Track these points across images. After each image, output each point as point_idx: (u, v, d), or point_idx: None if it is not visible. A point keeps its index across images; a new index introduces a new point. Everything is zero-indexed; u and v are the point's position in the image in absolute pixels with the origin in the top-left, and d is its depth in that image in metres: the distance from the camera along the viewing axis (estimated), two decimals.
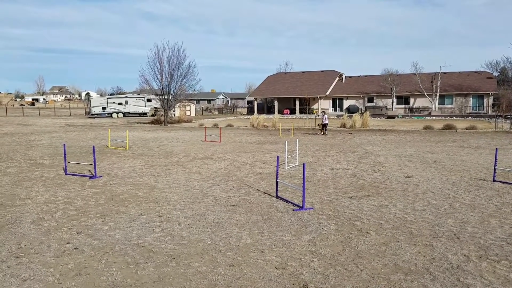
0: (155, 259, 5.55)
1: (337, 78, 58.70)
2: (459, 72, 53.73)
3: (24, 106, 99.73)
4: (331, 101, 55.81)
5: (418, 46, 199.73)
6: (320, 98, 54.89)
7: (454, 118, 42.03)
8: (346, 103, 54.52)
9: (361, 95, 53.78)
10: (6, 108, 75.47)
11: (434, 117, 43.91)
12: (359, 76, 59.80)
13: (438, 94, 49.03)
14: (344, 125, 31.47)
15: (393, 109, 50.76)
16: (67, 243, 6.14)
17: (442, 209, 8.00)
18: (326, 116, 25.28)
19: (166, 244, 6.10)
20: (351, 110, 50.12)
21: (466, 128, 28.22)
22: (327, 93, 54.93)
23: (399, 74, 53.49)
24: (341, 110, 53.94)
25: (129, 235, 6.54)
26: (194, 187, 10.07)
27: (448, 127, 28.62)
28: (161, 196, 9.09)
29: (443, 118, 42.53)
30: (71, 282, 4.85)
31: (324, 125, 25.06)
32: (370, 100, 53.73)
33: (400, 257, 5.62)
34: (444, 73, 51.10)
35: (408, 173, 11.90)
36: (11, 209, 8.05)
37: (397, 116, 46.25)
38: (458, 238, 6.37)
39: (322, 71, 60.95)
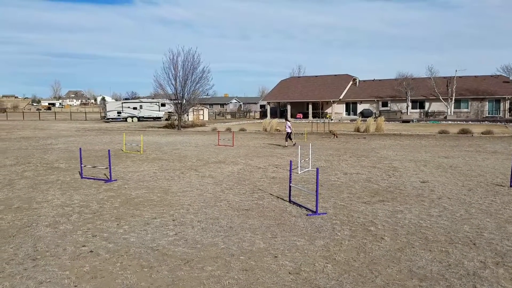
0: (169, 262, 5.59)
1: (351, 82, 58.45)
2: (475, 76, 53.04)
3: (40, 111, 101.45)
4: (344, 105, 55.57)
5: (433, 50, 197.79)
6: (334, 102, 54.72)
7: (470, 122, 41.43)
8: (360, 107, 54.21)
9: (375, 99, 53.42)
10: (23, 112, 76.94)
11: (449, 122, 43.40)
12: (373, 80, 59.45)
13: (453, 98, 48.43)
14: (358, 130, 31.27)
15: (408, 113, 50.28)
16: (83, 246, 6.22)
17: (458, 215, 7.88)
18: (289, 124, 21.75)
19: (180, 248, 6.13)
20: (365, 115, 49.83)
21: (482, 133, 27.78)
22: (341, 97, 54.72)
23: (414, 78, 52.99)
24: (355, 114, 53.68)
25: (144, 238, 6.59)
26: (207, 191, 10.11)
27: (464, 132, 28.23)
28: (174, 200, 9.14)
29: (458, 122, 41.96)
30: (86, 285, 4.90)
31: (288, 134, 21.50)
32: (385, 104, 53.33)
33: (416, 263, 5.55)
34: (460, 77, 50.48)
35: (424, 178, 11.75)
36: (28, 212, 8.18)
37: (412, 121, 45.82)
38: (474, 244, 6.27)
39: (335, 75, 60.76)
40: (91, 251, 6.00)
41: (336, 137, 26.51)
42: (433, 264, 5.50)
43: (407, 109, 50.79)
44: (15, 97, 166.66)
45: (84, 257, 5.79)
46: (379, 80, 58.90)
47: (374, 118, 37.83)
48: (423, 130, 31.65)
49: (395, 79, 55.18)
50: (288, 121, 22.41)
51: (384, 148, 19.81)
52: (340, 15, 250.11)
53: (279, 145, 21.57)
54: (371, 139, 25.46)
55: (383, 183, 11.10)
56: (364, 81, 60.00)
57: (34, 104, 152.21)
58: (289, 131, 21.45)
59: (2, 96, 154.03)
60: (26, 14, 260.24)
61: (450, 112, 48.64)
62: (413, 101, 51.17)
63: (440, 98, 48.70)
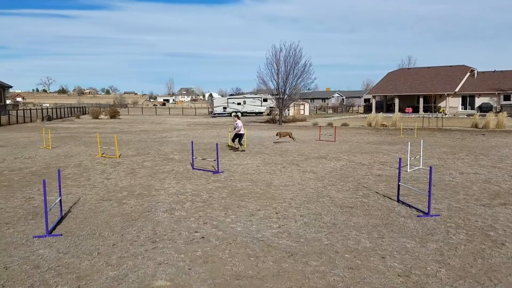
0: (274, 254, 5.72)
1: (468, 74, 53.44)
2: None
3: (156, 106, 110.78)
4: (460, 98, 51.09)
5: None
6: (448, 95, 50.66)
7: None
8: (478, 101, 49.38)
9: (496, 92, 48.18)
10: (142, 108, 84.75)
11: None
12: (493, 71, 53.62)
13: None
14: (475, 125, 28.70)
15: None
16: (195, 232, 6.66)
17: None
18: (239, 123, 16.63)
19: (284, 241, 6.24)
20: (483, 109, 45.39)
21: None
22: (456, 90, 50.43)
23: None
24: (472, 108, 49.11)
25: (249, 228, 6.83)
26: (309, 186, 10.11)
27: None
28: (277, 193, 9.31)
29: None
30: (199, 269, 5.25)
31: (239, 136, 16.68)
32: (507, 98, 47.83)
33: None
34: None
35: None
36: (148, 198, 9.00)
37: None
38: None
39: (450, 66, 56.15)
40: (203, 237, 6.40)
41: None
42: None
43: None
44: (135, 93, 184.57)
45: (197, 242, 6.20)
46: (501, 71, 52.88)
47: (495, 113, 34.23)
48: None
49: None
50: (238, 118, 17.33)
51: (506, 146, 17.81)
52: (457, 4, 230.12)
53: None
54: (491, 136, 23.07)
55: (504, 184, 10.00)
56: (483, 72, 54.38)
57: (151, 100, 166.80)
58: (242, 132, 16.67)
59: (124, 93, 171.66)
60: (149, 17, 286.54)
61: None
62: None
63: None
